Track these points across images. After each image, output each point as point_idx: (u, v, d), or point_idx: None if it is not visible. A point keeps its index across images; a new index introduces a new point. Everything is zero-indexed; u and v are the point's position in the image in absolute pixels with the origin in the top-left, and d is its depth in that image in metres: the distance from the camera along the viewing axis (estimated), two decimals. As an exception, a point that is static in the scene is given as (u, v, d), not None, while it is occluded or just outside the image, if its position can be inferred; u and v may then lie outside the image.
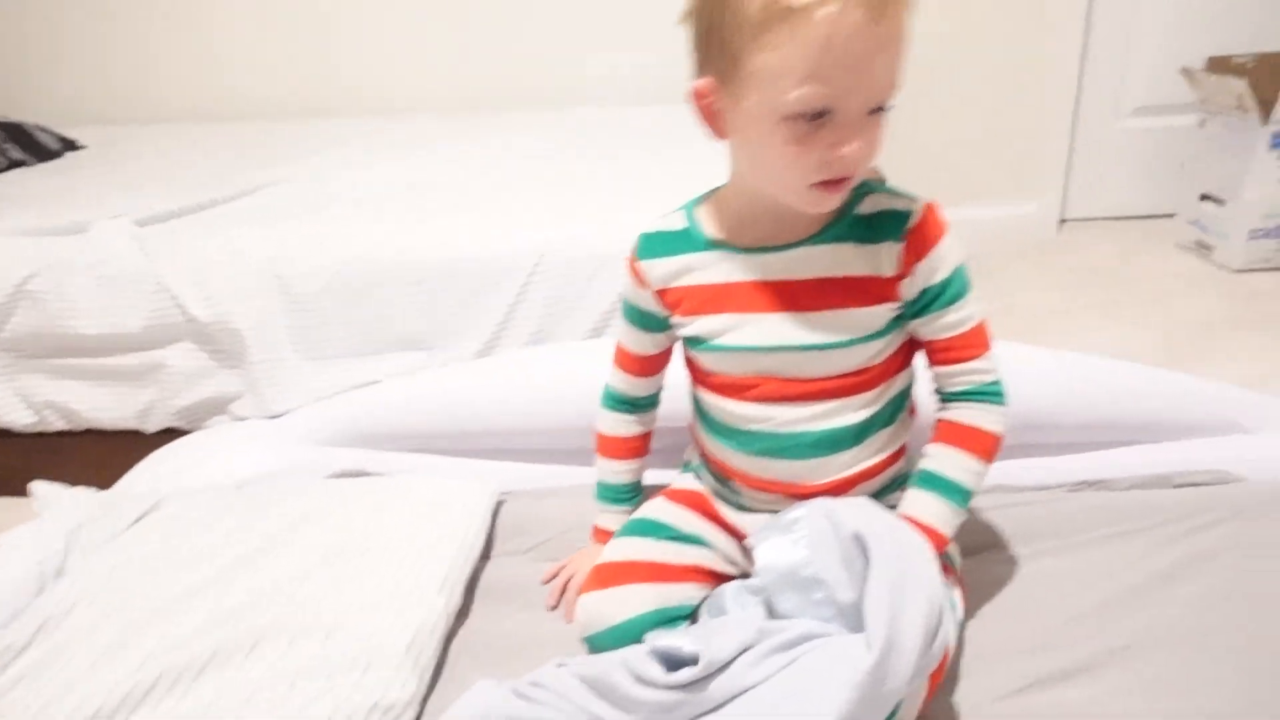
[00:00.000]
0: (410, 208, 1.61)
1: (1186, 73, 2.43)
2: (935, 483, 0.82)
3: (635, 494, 1.01)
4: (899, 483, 0.90)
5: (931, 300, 0.80)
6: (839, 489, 0.85)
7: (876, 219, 0.79)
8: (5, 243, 1.55)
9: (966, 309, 0.81)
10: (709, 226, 0.84)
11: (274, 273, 1.45)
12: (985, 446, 0.82)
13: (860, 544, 0.71)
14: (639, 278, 0.88)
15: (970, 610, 0.87)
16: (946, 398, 0.84)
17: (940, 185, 2.65)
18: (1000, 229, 2.73)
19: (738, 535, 0.91)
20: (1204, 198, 2.48)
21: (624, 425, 0.98)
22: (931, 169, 2.68)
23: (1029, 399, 1.09)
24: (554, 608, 0.96)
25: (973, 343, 0.82)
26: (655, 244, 0.87)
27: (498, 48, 2.56)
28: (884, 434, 0.86)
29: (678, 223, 0.86)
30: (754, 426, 0.84)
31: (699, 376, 0.89)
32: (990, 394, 0.83)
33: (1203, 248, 2.50)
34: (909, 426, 0.90)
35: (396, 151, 2.06)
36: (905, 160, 2.63)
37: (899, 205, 0.79)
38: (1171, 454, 1.13)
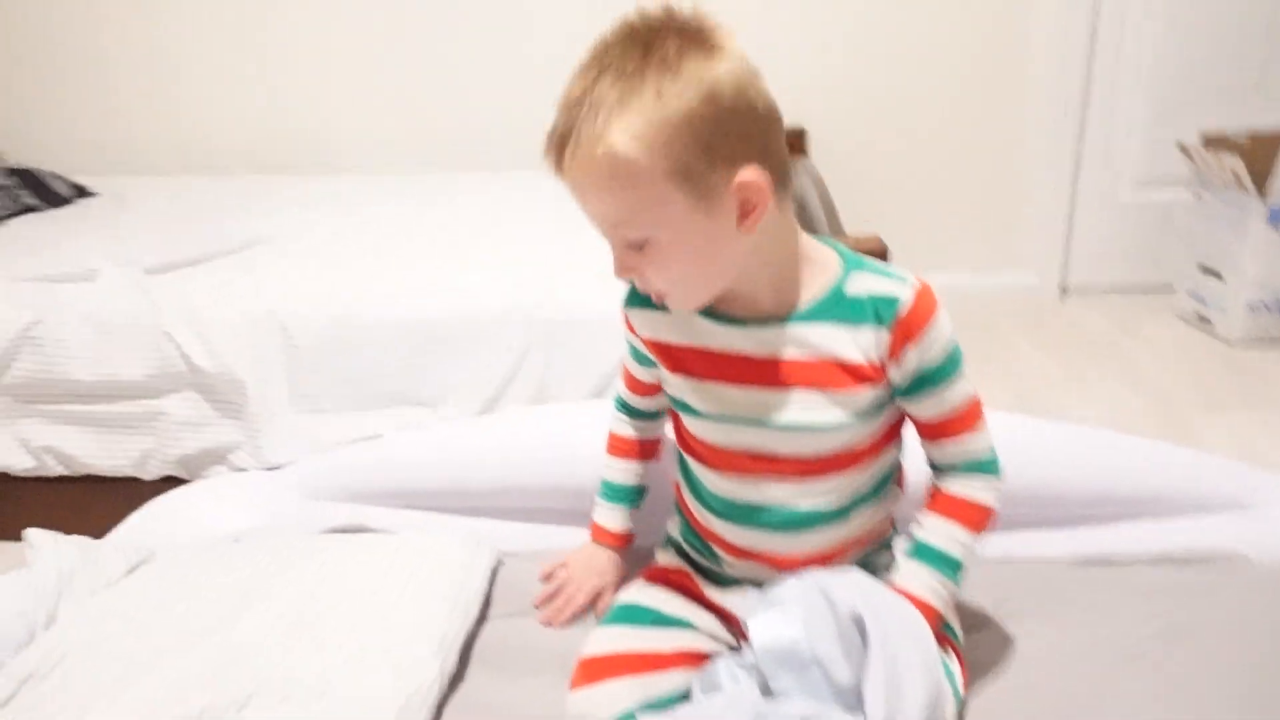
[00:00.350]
0: (411, 263, 1.63)
1: (1183, 149, 2.47)
2: (927, 554, 0.81)
3: (634, 497, 1.02)
4: (885, 545, 0.90)
5: (921, 383, 0.78)
6: (822, 561, 0.84)
7: (862, 301, 0.77)
8: (12, 288, 1.56)
9: (957, 387, 0.79)
10: None
11: (276, 325, 1.46)
12: (977, 519, 0.82)
13: (858, 624, 0.70)
14: (627, 323, 0.89)
15: (970, 686, 0.86)
16: (939, 469, 0.83)
17: (941, 253, 2.71)
18: (1000, 297, 2.75)
19: (721, 613, 0.90)
20: (1203, 270, 2.50)
21: (625, 427, 1.00)
22: (933, 237, 2.72)
23: (1032, 471, 1.09)
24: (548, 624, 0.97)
25: (965, 419, 0.80)
26: (636, 292, 0.85)
27: (498, 107, 2.61)
28: (869, 509, 0.85)
29: None
30: (735, 498, 0.84)
31: (683, 440, 0.89)
32: (983, 467, 0.82)
33: (1202, 320, 2.52)
34: (897, 498, 0.90)
35: (398, 207, 2.09)
36: (907, 227, 2.68)
37: (887, 289, 0.77)
38: (1175, 530, 1.12)
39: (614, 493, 1.01)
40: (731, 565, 0.88)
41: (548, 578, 1.01)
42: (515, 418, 1.25)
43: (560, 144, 0.68)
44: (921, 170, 2.67)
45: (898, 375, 0.78)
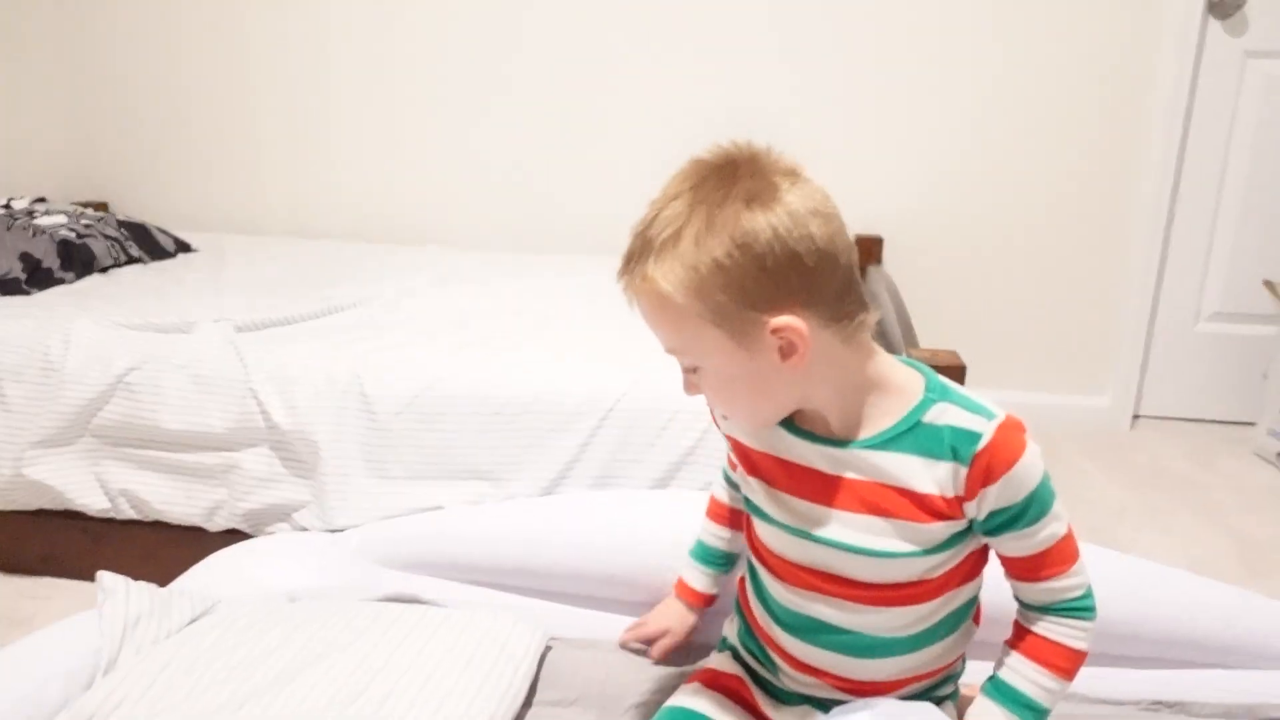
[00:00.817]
0: (490, 339, 1.67)
1: (1269, 285, 2.43)
2: (1009, 696, 0.78)
3: (723, 562, 1.04)
4: (951, 678, 0.87)
5: (1006, 523, 0.75)
6: (886, 689, 0.82)
7: (942, 433, 0.75)
8: (114, 334, 1.64)
9: (1048, 528, 0.75)
10: None
11: (357, 390, 1.50)
12: (1067, 664, 0.78)
13: None
14: (713, 417, 0.90)
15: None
16: (1027, 607, 0.80)
17: (1016, 372, 2.68)
18: (1072, 420, 2.69)
19: None
20: (1287, 409, 2.42)
21: (723, 493, 1.02)
22: (1009, 356, 2.69)
23: (1107, 606, 1.05)
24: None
25: (1057, 560, 0.76)
26: None
27: (597, 194, 2.70)
28: (942, 644, 0.83)
29: None
30: (801, 611, 0.82)
31: (754, 545, 0.88)
32: (1076, 609, 0.78)
33: (1285, 460, 2.43)
34: (971, 634, 0.87)
35: (490, 284, 2.14)
36: (979, 342, 2.66)
37: (968, 424, 0.74)
38: (1255, 684, 1.06)
39: (705, 555, 1.04)
40: (791, 678, 0.86)
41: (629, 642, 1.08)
42: (576, 501, 1.26)
43: (626, 266, 0.75)
44: (999, 285, 2.66)
45: (976, 513, 0.75)
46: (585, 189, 2.73)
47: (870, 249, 2.55)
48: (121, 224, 2.39)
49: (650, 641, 1.06)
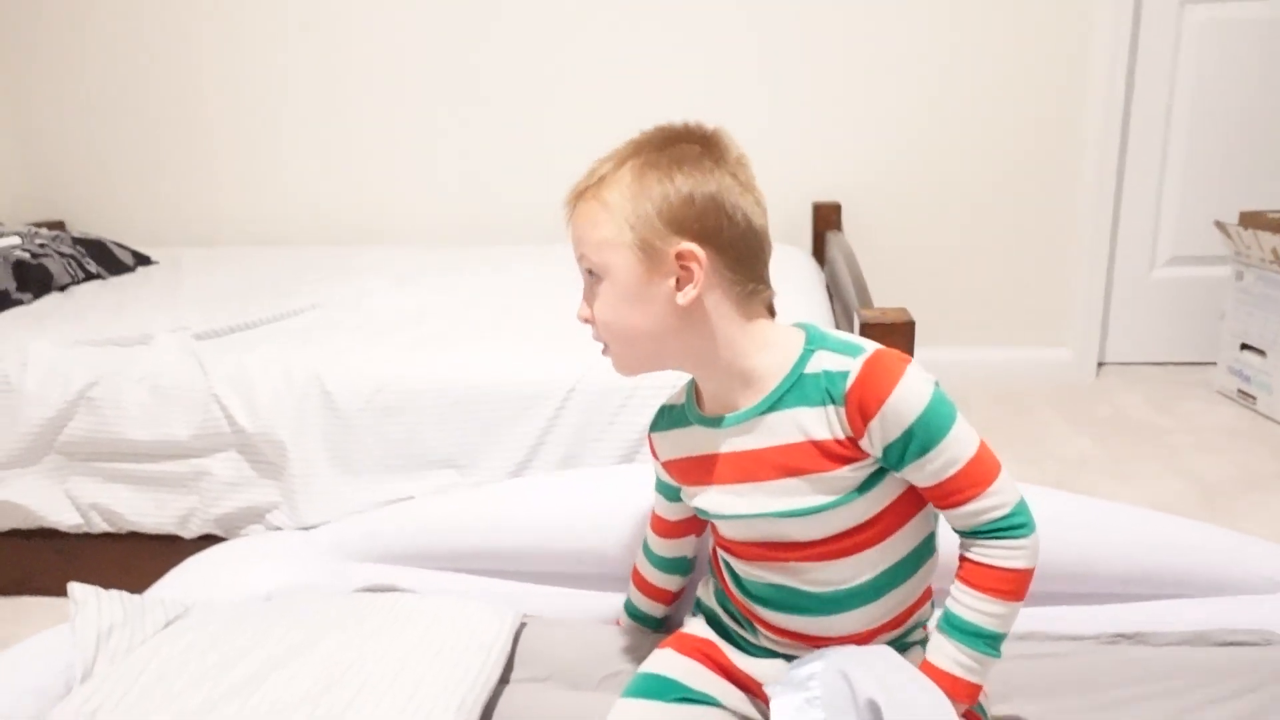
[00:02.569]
0: (448, 332, 1.67)
1: (1220, 226, 2.47)
2: (957, 627, 0.79)
3: (659, 624, 1.07)
4: (922, 623, 0.89)
5: (902, 453, 0.76)
6: (860, 640, 0.84)
7: (818, 380, 0.77)
8: (73, 352, 1.63)
9: (949, 450, 0.76)
10: (700, 397, 0.87)
11: (318, 389, 1.51)
12: (1008, 586, 0.77)
13: (874, 712, 0.70)
14: (651, 450, 0.93)
15: (997, 765, 0.84)
16: (963, 534, 0.80)
17: (980, 329, 2.71)
18: (1038, 372, 2.73)
19: (749, 685, 0.90)
20: (1244, 347, 2.47)
21: (653, 575, 1.05)
22: (972, 314, 2.72)
23: (1065, 547, 1.08)
24: None
25: (968, 483, 0.77)
26: (663, 418, 0.92)
27: (548, 183, 2.70)
28: (904, 588, 0.84)
29: (681, 397, 0.90)
30: (770, 582, 0.85)
31: (715, 537, 0.91)
32: (1008, 528, 0.77)
33: (1245, 396, 2.48)
34: (932, 570, 0.88)
35: (434, 278, 2.15)
36: (938, 302, 2.69)
37: (835, 365, 0.77)
38: (1211, 611, 1.09)
39: (639, 616, 1.09)
40: (769, 640, 0.89)
41: None
42: (543, 483, 1.27)
43: (574, 193, 0.83)
44: (958, 246, 2.69)
45: (873, 449, 0.77)
46: (537, 181, 2.73)
47: (829, 216, 2.57)
48: (78, 241, 2.36)
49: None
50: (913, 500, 0.82)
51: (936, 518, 0.86)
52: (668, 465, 0.91)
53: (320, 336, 1.67)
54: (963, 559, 0.80)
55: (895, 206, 2.66)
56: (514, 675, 1.04)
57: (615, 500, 1.17)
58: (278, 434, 1.49)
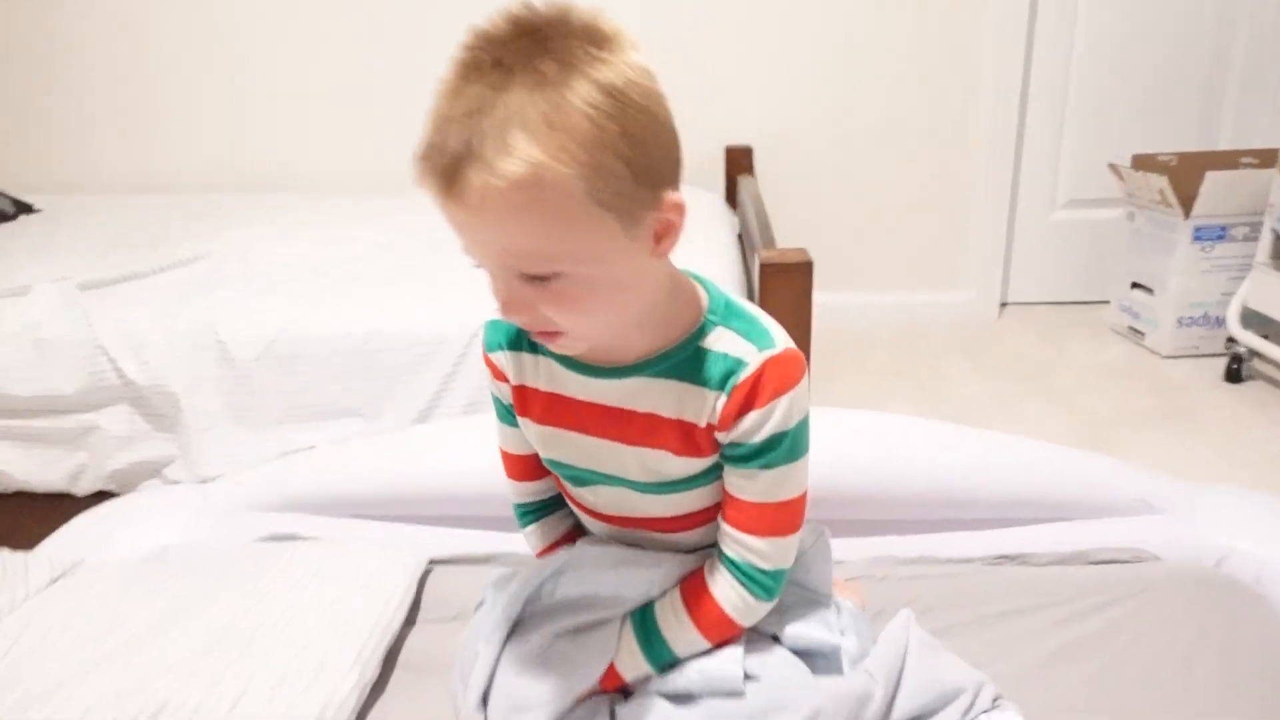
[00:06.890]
0: (345, 281, 1.64)
1: (1113, 169, 2.56)
2: (648, 633, 0.75)
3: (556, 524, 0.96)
4: None
5: (739, 456, 0.69)
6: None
7: (714, 360, 0.68)
8: (-57, 303, 1.54)
9: (781, 481, 0.69)
10: None
11: (211, 339, 1.46)
12: (713, 622, 0.73)
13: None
14: (494, 370, 0.78)
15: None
16: (719, 557, 0.74)
17: (887, 272, 2.77)
18: (942, 314, 2.81)
19: None
20: (1134, 286, 2.59)
21: (543, 532, 0.88)
22: (879, 257, 2.78)
23: (945, 475, 1.13)
24: None
25: (761, 518, 0.70)
26: (501, 334, 0.77)
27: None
28: None
29: None
30: (620, 534, 0.81)
31: (562, 487, 0.84)
32: (757, 582, 0.72)
33: (1135, 333, 2.60)
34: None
35: (329, 227, 2.10)
36: (848, 247, 2.74)
37: (735, 350, 0.68)
38: (1088, 532, 1.16)
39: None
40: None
41: None
42: (444, 428, 1.26)
43: (454, 166, 0.56)
44: (865, 190, 2.73)
45: (723, 439, 0.70)
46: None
47: (741, 160, 2.58)
48: (-51, 187, 2.22)
49: None
50: None
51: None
52: (517, 391, 0.76)
53: (211, 286, 1.61)
54: (702, 584, 0.75)
55: (804, 151, 2.68)
56: (421, 616, 1.04)
57: (519, 443, 1.17)
58: (170, 386, 1.44)
